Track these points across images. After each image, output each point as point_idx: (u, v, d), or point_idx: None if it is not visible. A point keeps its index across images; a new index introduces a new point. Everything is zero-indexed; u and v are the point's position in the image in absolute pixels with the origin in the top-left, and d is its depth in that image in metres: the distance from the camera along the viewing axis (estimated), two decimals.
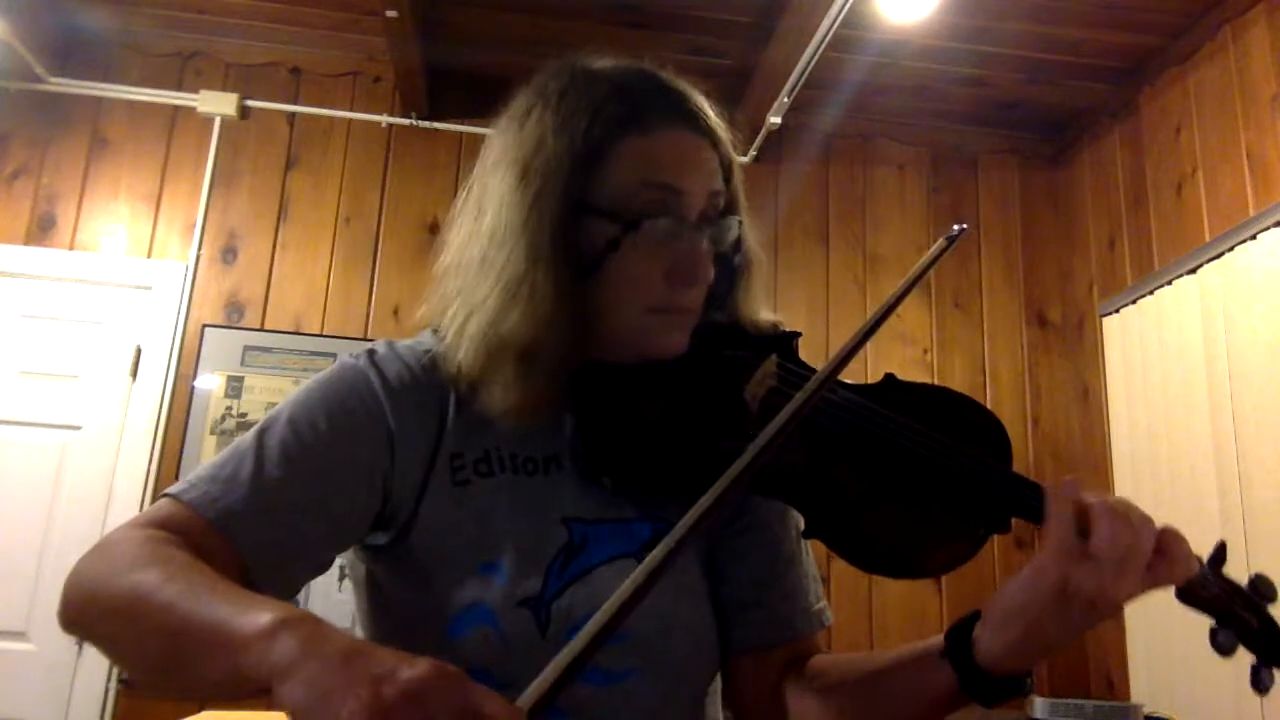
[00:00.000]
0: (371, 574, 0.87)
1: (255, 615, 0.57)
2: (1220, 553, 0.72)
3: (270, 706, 0.55)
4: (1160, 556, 0.66)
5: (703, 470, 0.67)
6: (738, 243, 0.88)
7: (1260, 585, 0.72)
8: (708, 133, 0.85)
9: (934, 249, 0.80)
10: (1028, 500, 0.73)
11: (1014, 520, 0.75)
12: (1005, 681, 0.70)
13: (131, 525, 0.72)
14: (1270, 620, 0.72)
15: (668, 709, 0.83)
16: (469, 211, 0.88)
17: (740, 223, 0.88)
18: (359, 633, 0.87)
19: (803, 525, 0.81)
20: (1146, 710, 2.62)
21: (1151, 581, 0.67)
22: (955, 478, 0.75)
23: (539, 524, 0.82)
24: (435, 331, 0.89)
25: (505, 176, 0.84)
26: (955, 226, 0.85)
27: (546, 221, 0.80)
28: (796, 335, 0.88)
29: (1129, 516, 0.66)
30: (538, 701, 0.52)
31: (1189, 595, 0.71)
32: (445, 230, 0.91)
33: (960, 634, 0.72)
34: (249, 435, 0.79)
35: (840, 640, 3.11)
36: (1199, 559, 0.70)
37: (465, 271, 0.85)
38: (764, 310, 0.92)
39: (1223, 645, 0.72)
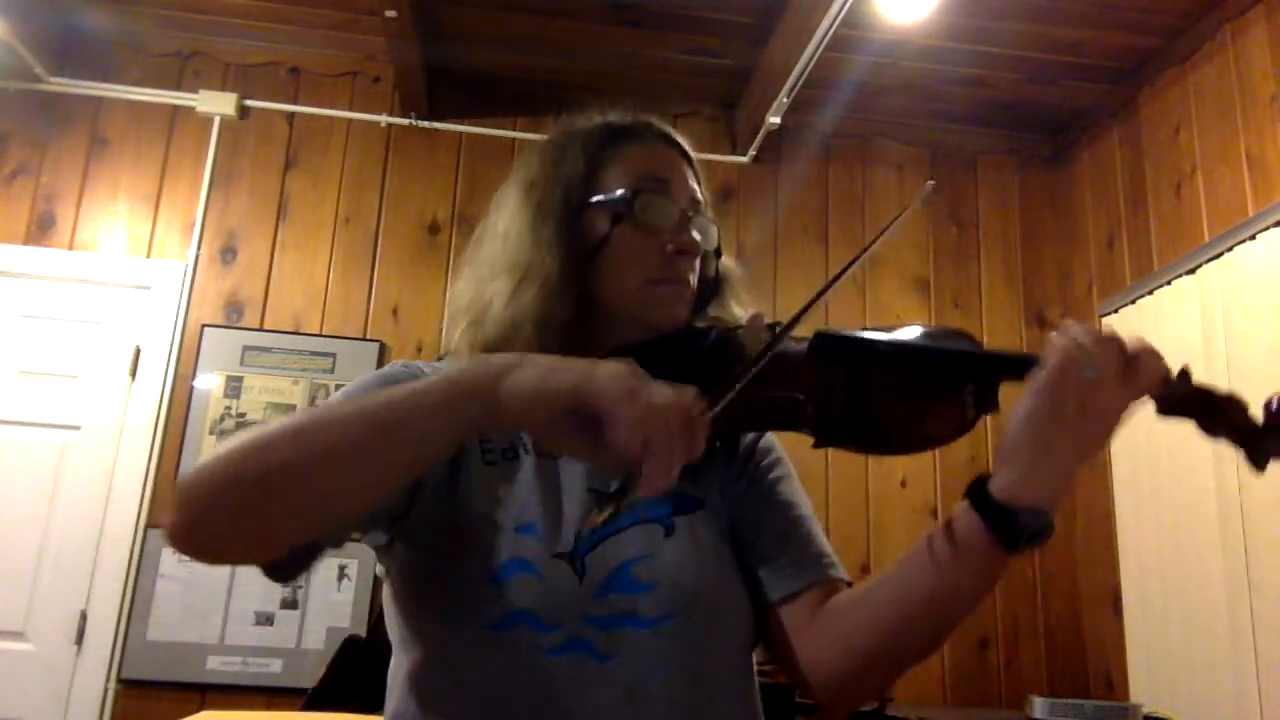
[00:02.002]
0: (407, 558, 0.90)
1: (446, 371, 0.71)
2: (1185, 370, 0.80)
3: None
4: (1134, 361, 0.76)
5: None
6: (717, 252, 1.03)
7: (1234, 395, 0.80)
8: (686, 158, 1.02)
9: (909, 208, 0.94)
10: (1005, 359, 0.83)
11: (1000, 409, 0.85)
12: (1027, 516, 0.75)
13: None
14: (1248, 413, 0.80)
15: (709, 659, 0.87)
16: (481, 239, 1.01)
17: (718, 233, 1.02)
18: (394, 618, 0.91)
19: (813, 441, 0.89)
20: (1146, 710, 2.62)
21: (1134, 386, 0.76)
22: (936, 357, 0.87)
23: (567, 495, 0.90)
24: (449, 347, 1.00)
25: (513, 198, 0.99)
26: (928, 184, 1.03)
27: (551, 218, 0.94)
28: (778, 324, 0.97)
29: (1099, 333, 0.77)
30: (711, 398, 0.68)
31: (1168, 400, 0.79)
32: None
33: (979, 478, 0.78)
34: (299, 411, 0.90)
35: None
36: (1169, 368, 0.79)
37: (480, 273, 0.98)
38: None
39: (1212, 433, 0.80)
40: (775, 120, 3.25)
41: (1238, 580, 2.49)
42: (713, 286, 1.03)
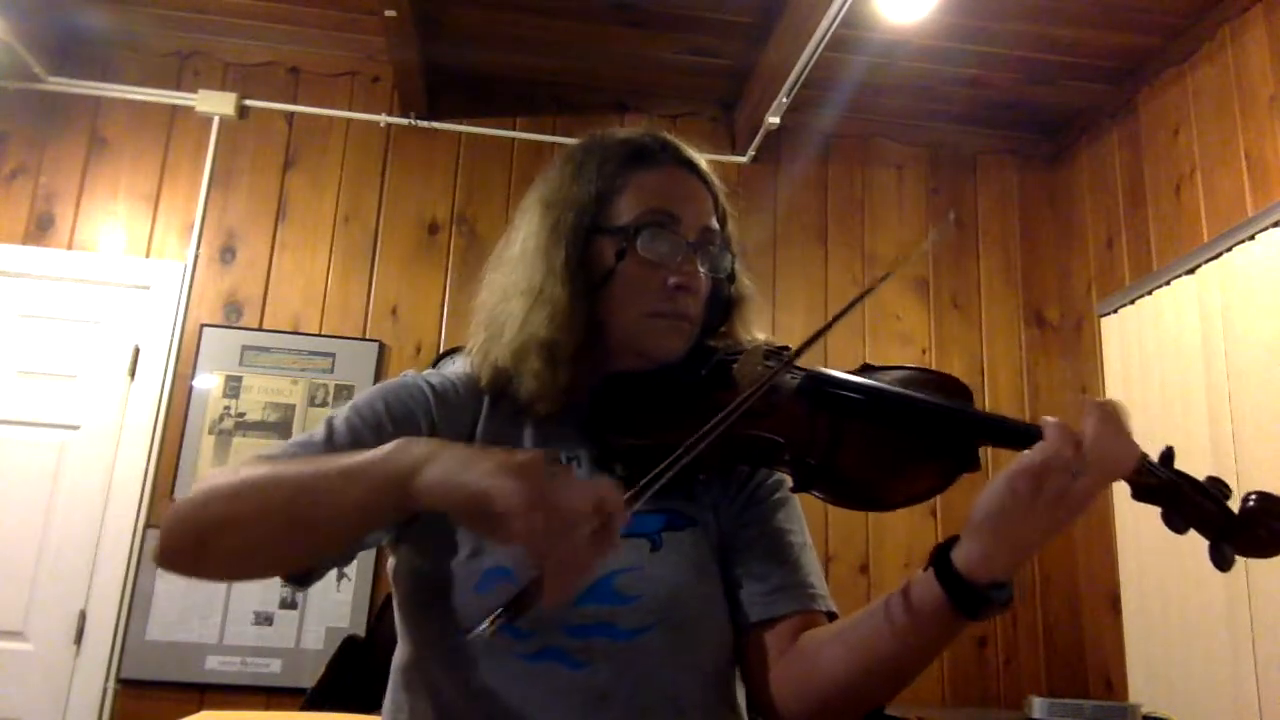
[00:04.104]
0: (409, 557, 0.94)
1: (377, 448, 0.74)
2: (1168, 452, 0.79)
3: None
4: (1114, 454, 0.75)
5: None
6: (732, 276, 1.04)
7: (1215, 482, 0.79)
8: (704, 179, 1.03)
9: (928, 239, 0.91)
10: (996, 428, 0.81)
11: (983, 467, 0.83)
12: (988, 590, 0.76)
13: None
14: (1223, 505, 0.78)
15: (685, 672, 0.88)
16: (503, 253, 1.04)
17: (734, 259, 1.03)
18: (396, 611, 0.96)
19: (791, 484, 0.89)
20: (1145, 710, 2.62)
21: (1110, 474, 0.76)
22: (919, 415, 0.85)
23: None
24: (467, 354, 1.04)
25: (532, 213, 1.02)
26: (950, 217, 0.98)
27: (564, 243, 0.97)
28: (785, 348, 0.97)
29: (1109, 422, 0.75)
30: (630, 496, 0.69)
31: (1140, 487, 0.77)
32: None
33: (942, 548, 0.79)
34: (320, 422, 0.94)
35: None
36: (1144, 454, 0.77)
37: (497, 292, 1.01)
38: (759, 337, 1.04)
39: (1175, 525, 0.78)
40: (775, 120, 3.25)
41: (1236, 581, 2.49)
42: (724, 310, 1.04)
